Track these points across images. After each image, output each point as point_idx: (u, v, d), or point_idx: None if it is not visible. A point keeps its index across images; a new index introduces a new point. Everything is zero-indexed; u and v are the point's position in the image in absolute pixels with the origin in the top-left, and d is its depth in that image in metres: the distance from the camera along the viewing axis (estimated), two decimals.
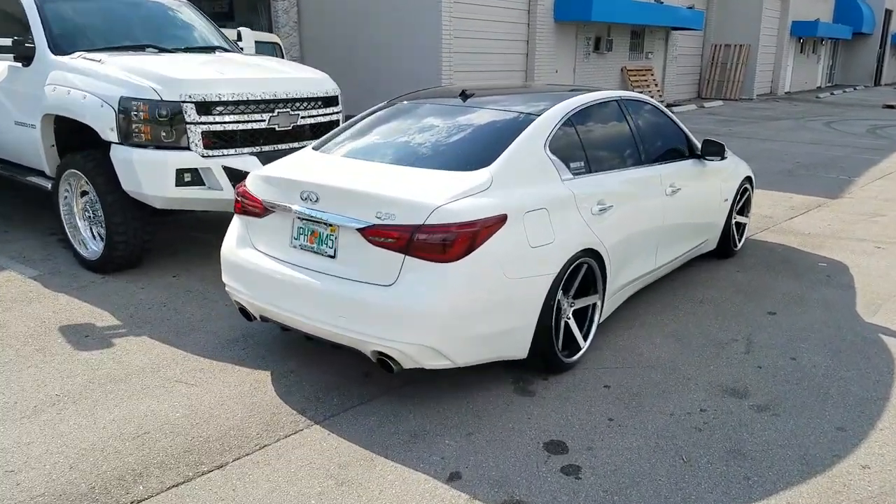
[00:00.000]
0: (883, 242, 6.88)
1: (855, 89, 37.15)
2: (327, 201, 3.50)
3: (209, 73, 5.30)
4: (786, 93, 32.70)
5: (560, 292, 3.83)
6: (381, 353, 3.39)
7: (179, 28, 6.64)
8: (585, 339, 4.19)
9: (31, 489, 2.94)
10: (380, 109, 4.58)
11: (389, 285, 3.35)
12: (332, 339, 3.50)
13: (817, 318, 4.87)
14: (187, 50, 6.38)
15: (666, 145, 5.05)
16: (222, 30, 7.24)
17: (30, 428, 3.39)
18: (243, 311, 3.99)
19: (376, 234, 3.32)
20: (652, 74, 22.66)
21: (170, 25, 6.61)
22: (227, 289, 4.02)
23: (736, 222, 6.31)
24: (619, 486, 2.99)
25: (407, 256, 3.30)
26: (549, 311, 3.74)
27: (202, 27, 6.83)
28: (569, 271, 3.84)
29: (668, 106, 22.49)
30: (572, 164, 4.07)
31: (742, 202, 6.33)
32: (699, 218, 5.38)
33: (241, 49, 7.39)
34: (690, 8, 22.81)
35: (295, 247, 3.67)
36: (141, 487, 2.97)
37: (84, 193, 5.61)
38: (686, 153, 5.33)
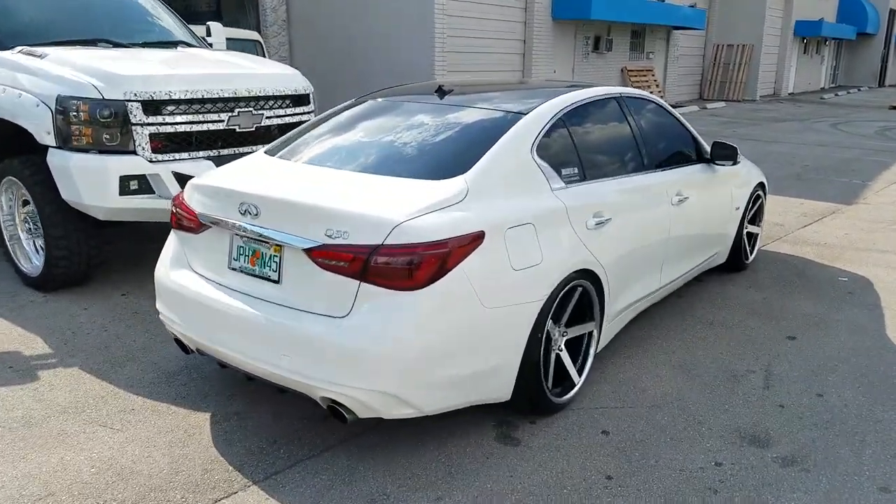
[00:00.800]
0: None
1: (859, 90, 36.58)
2: (269, 216, 2.92)
3: (160, 68, 4.73)
4: (789, 94, 32.14)
5: (550, 321, 3.26)
6: (331, 401, 2.81)
7: (139, 22, 6.07)
8: (580, 373, 3.61)
9: None
10: (347, 108, 4.01)
11: (342, 318, 2.77)
12: (276, 382, 2.92)
13: (844, 344, 4.29)
14: (146, 45, 5.80)
15: (672, 149, 4.47)
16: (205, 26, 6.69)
17: None
18: (179, 343, 3.41)
19: (326, 256, 2.74)
20: (653, 75, 22.09)
21: (128, 19, 6.04)
22: (160, 317, 3.44)
23: (748, 233, 5.73)
24: None
25: (363, 283, 2.72)
26: (537, 343, 3.16)
27: (165, 21, 6.26)
28: (560, 296, 3.26)
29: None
30: (564, 171, 3.49)
31: (754, 210, 5.75)
32: (709, 229, 4.80)
33: (211, 45, 6.82)
34: (692, 7, 22.24)
35: (234, 269, 3.09)
36: None
37: (26, 203, 5.04)
38: (694, 157, 4.76)
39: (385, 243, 2.70)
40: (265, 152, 3.67)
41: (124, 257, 5.82)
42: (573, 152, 3.60)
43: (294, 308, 2.88)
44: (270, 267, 2.95)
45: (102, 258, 5.05)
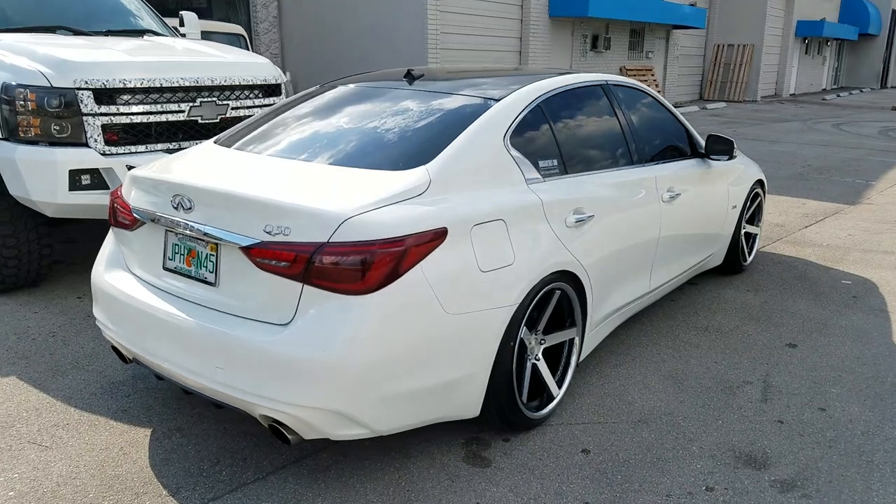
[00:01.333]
0: None
1: (861, 91, 36.26)
2: (204, 209, 2.59)
3: (116, 56, 4.42)
4: (791, 94, 31.81)
5: (524, 328, 2.93)
6: (272, 420, 2.48)
7: (104, 9, 5.75)
8: (560, 385, 3.28)
9: None
10: (310, 94, 3.69)
11: (284, 325, 2.45)
12: (212, 397, 2.59)
13: (848, 352, 3.97)
14: (110, 33, 5.48)
15: (663, 142, 4.15)
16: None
17: None
18: (117, 352, 3.08)
19: (265, 256, 2.42)
20: (652, 74, 21.77)
21: (93, 6, 5.72)
22: (97, 323, 3.11)
23: (745, 233, 5.41)
24: None
25: (306, 286, 2.40)
26: (509, 353, 2.83)
27: (133, 9, 5.94)
28: (535, 301, 2.93)
29: None
30: (542, 163, 3.17)
31: (753, 209, 5.43)
32: (703, 228, 4.48)
33: (184, 35, 6.50)
34: (692, 6, 21.92)
35: (169, 270, 2.77)
36: None
37: None
38: (688, 152, 4.43)
39: (331, 241, 2.37)
40: (214, 141, 3.36)
41: (83, 255, 5.50)
42: (552, 143, 3.28)
43: (231, 314, 2.56)
44: (206, 267, 2.63)
45: (55, 258, 4.72)
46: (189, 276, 2.70)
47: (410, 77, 3.55)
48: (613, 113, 3.77)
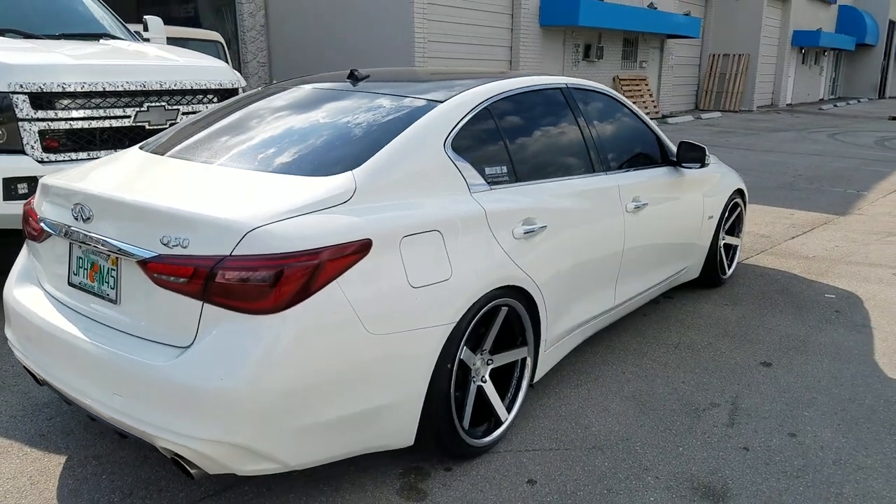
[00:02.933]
0: None
1: (859, 101, 36.13)
2: (103, 219, 2.37)
3: (57, 58, 4.20)
4: (787, 104, 31.66)
5: (464, 349, 2.69)
6: (173, 453, 2.24)
7: (60, 12, 5.55)
8: (510, 409, 3.05)
9: None
10: (249, 96, 3.46)
11: (185, 348, 2.21)
12: (113, 424, 2.35)
13: (825, 371, 3.73)
14: (63, 37, 5.27)
15: (629, 149, 3.92)
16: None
17: None
18: (32, 374, 2.84)
19: (161, 270, 2.19)
20: (646, 84, 21.59)
21: (48, 9, 5.51)
22: (8, 343, 2.88)
23: (725, 244, 5.18)
24: None
25: (206, 304, 2.17)
26: (446, 376, 2.60)
27: (91, 12, 5.73)
28: (477, 318, 2.70)
29: (662, 117, 21.42)
30: (489, 170, 2.94)
31: (732, 220, 5.19)
32: (675, 239, 4.25)
33: (148, 40, 6.29)
34: (687, 15, 21.77)
35: (74, 285, 2.54)
36: None
37: None
38: (659, 159, 4.20)
39: (233, 254, 2.14)
40: (139, 147, 3.13)
41: None
42: (502, 148, 3.05)
43: (132, 334, 2.33)
44: (108, 283, 2.40)
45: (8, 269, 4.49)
46: (92, 293, 2.47)
47: (354, 78, 3.33)
48: (573, 118, 3.55)
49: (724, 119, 22.53)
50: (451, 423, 2.68)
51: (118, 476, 2.75)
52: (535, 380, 3.22)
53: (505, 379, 3.07)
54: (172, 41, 8.26)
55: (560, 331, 3.33)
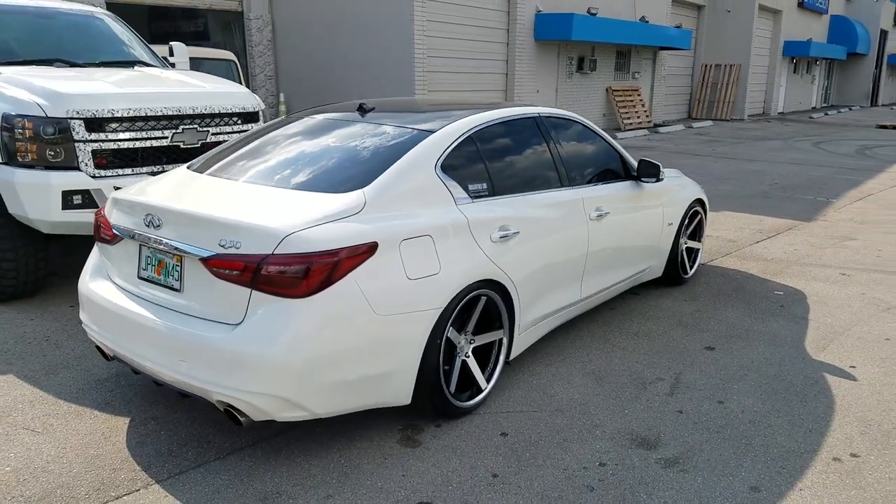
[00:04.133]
0: (849, 269, 6.44)
1: (850, 109, 36.86)
2: (171, 227, 3.08)
3: (105, 87, 4.91)
4: (779, 113, 32.38)
5: (451, 329, 3.40)
6: (226, 404, 2.95)
7: (98, 41, 6.27)
8: (489, 379, 3.75)
9: None
10: (275, 124, 4.18)
11: (236, 325, 2.92)
12: (177, 386, 3.06)
13: (759, 354, 4.43)
14: (102, 64, 5.99)
15: (594, 166, 4.63)
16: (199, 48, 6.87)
17: None
18: (100, 350, 3.55)
19: (220, 266, 2.90)
20: (639, 94, 22.32)
21: (87, 39, 6.23)
22: (83, 325, 3.59)
23: (687, 248, 5.88)
24: None
25: (254, 291, 2.87)
26: (436, 350, 3.30)
27: (125, 40, 6.45)
28: (461, 305, 3.40)
29: (655, 126, 22.14)
30: (472, 187, 3.65)
31: (693, 226, 5.90)
32: (636, 243, 4.95)
33: (173, 65, 7.01)
34: (678, 27, 22.51)
35: (143, 279, 3.25)
36: None
37: None
38: (622, 175, 4.91)
39: (275, 253, 2.85)
40: (187, 167, 3.84)
41: (76, 270, 5.97)
42: (482, 168, 3.76)
43: (193, 315, 3.03)
44: (173, 276, 3.10)
45: (50, 269, 5.19)
46: (159, 284, 3.18)
47: (362, 110, 4.04)
48: (544, 141, 4.26)
49: (715, 128, 23.25)
50: (440, 387, 3.38)
51: (173, 432, 3.45)
52: (511, 357, 3.92)
53: (486, 355, 3.77)
54: (192, 60, 8.97)
55: (532, 318, 4.03)
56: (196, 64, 9.86)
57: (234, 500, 2.90)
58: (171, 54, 7.11)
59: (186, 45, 12.83)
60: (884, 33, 41.36)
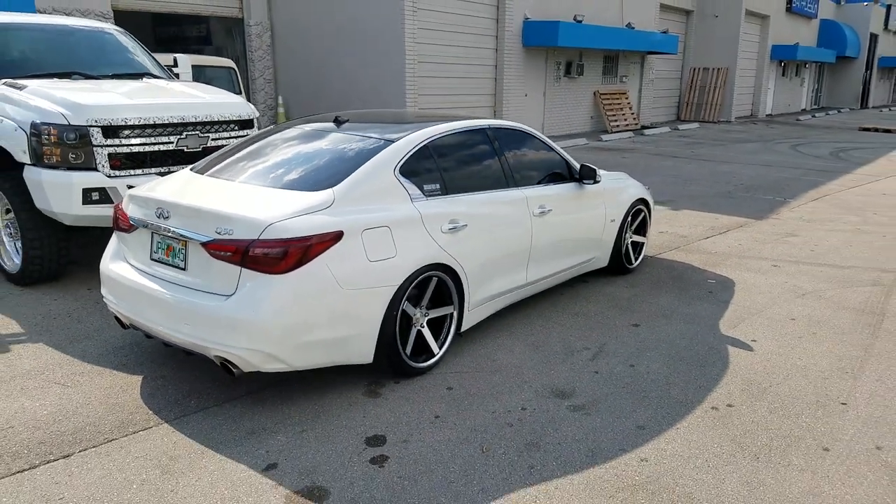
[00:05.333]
0: (782, 261, 7.21)
1: (839, 112, 37.61)
2: (177, 218, 3.86)
3: (118, 98, 5.68)
4: (767, 115, 33.13)
5: (406, 303, 4.17)
6: (222, 358, 3.73)
7: (110, 55, 7.04)
8: (441, 346, 4.51)
9: None
10: (265, 132, 4.95)
11: (230, 295, 3.69)
12: (183, 346, 3.84)
13: (676, 330, 5.20)
14: (115, 76, 6.76)
15: (539, 170, 5.40)
16: (197, 53, 7.63)
17: None
18: (118, 320, 4.33)
19: (217, 248, 3.67)
20: (626, 98, 23.09)
21: (101, 52, 7.00)
22: (104, 300, 4.37)
23: (632, 242, 6.64)
24: (416, 472, 3.32)
25: (244, 269, 3.65)
26: (393, 320, 4.07)
27: (134, 55, 7.23)
28: (414, 284, 4.17)
29: (642, 128, 22.91)
30: (426, 187, 4.42)
31: (638, 223, 6.67)
32: (577, 236, 5.71)
33: (178, 75, 7.79)
34: (664, 32, 23.27)
35: (154, 260, 4.02)
36: None
37: (8, 211, 5.97)
38: (567, 177, 5.68)
39: (260, 238, 3.63)
40: (190, 169, 4.62)
41: (92, 258, 6.76)
42: (436, 172, 4.53)
43: (195, 289, 3.81)
44: (179, 257, 3.88)
45: (71, 258, 5.97)
46: (167, 264, 3.95)
47: (338, 122, 4.82)
48: (492, 149, 5.03)
49: (700, 130, 24.01)
50: (396, 350, 4.16)
51: (179, 386, 4.22)
52: (463, 329, 4.69)
53: (440, 326, 4.54)
54: (194, 68, 9.76)
55: (481, 297, 4.80)
56: (198, 71, 10.66)
57: (227, 435, 3.68)
58: (175, 65, 7.89)
59: (189, 49, 13.63)
60: (874, 37, 42.12)
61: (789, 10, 32.57)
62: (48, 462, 3.41)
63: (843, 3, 40.42)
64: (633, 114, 23.09)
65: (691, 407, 4.00)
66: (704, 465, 3.40)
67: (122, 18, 14.45)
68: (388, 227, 4.04)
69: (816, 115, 33.95)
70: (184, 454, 3.48)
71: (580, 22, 18.95)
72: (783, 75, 34.57)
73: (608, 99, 22.17)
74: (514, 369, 4.46)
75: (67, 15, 12.78)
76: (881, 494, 3.21)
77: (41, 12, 12.59)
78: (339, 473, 3.32)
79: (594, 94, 21.87)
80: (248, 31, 16.99)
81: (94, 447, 3.55)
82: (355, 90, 16.09)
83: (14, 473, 3.32)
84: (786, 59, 32.18)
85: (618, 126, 21.96)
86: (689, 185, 12.08)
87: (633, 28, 21.57)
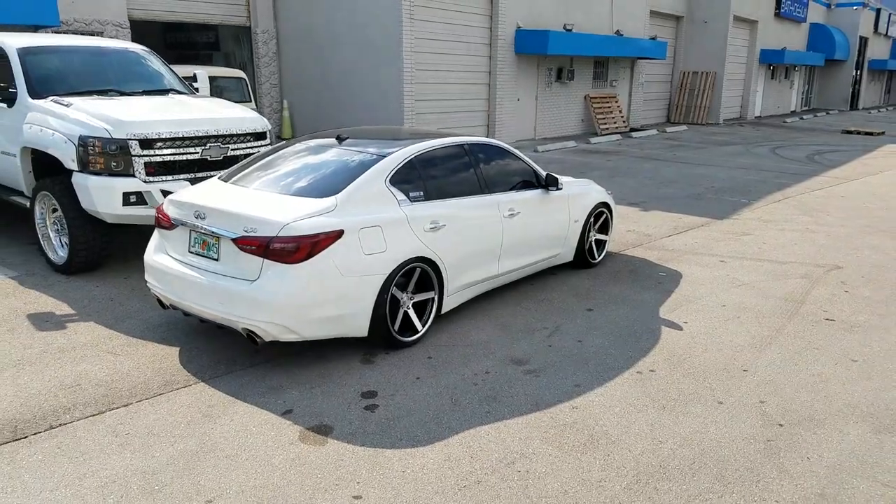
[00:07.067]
0: (729, 257, 8.21)
1: (828, 113, 38.57)
2: (212, 219, 4.86)
3: (152, 115, 6.68)
4: (756, 117, 34.10)
5: (395, 288, 5.17)
6: (248, 330, 4.73)
7: (139, 73, 8.04)
8: (424, 325, 5.51)
9: None
10: (280, 147, 5.95)
11: (254, 280, 4.70)
12: (216, 321, 4.84)
13: (623, 314, 6.21)
14: (145, 93, 7.76)
15: (509, 179, 6.39)
16: (206, 60, 8.61)
17: None
18: (159, 302, 5.34)
19: (244, 243, 4.68)
20: (616, 101, 24.08)
21: (132, 72, 8.00)
22: (147, 284, 5.38)
23: (596, 240, 7.64)
24: (400, 415, 4.32)
25: (265, 259, 4.65)
26: (383, 302, 5.07)
27: (160, 73, 8.23)
28: (401, 273, 5.17)
29: (631, 130, 23.89)
30: (412, 194, 5.42)
31: (600, 223, 7.66)
32: (545, 234, 6.70)
33: (197, 90, 8.79)
34: (653, 38, 24.24)
35: (192, 252, 5.03)
36: (67, 416, 4.31)
37: (55, 210, 6.97)
38: (535, 185, 6.68)
39: (278, 235, 4.63)
40: (218, 178, 5.62)
41: (127, 251, 7.77)
42: (420, 181, 5.53)
43: (226, 275, 4.81)
44: (213, 250, 4.89)
45: (112, 251, 6.96)
46: (203, 256, 4.96)
47: (340, 139, 5.82)
48: (469, 161, 6.03)
49: (688, 133, 24.99)
50: (386, 327, 5.16)
51: (211, 355, 5.23)
52: (443, 311, 5.68)
53: (424, 309, 5.55)
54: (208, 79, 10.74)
55: (458, 285, 5.80)
56: (211, 81, 11.65)
57: (252, 390, 4.68)
58: (195, 80, 8.89)
59: (199, 55, 14.68)
60: (864, 40, 43.08)
61: (778, 14, 33.54)
62: (112, 409, 4.42)
63: (832, 7, 41.38)
64: (622, 117, 24.08)
65: (620, 371, 5.00)
66: (621, 412, 4.41)
67: (136, 27, 15.42)
68: (380, 227, 5.04)
69: (804, 117, 34.91)
70: (219, 403, 4.49)
71: (570, 31, 19.93)
72: (772, 78, 35.55)
73: (598, 103, 23.15)
74: (484, 344, 5.46)
75: (87, 25, 13.80)
76: (751, 431, 4.23)
77: (64, 23, 13.58)
78: (340, 416, 4.33)
79: (585, 97, 22.85)
80: (255, 39, 17.98)
81: (147, 399, 4.55)
82: (355, 97, 17.08)
83: (87, 417, 4.32)
84: (774, 62, 33.15)
85: (607, 129, 22.94)
86: (663, 188, 13.07)
87: (622, 35, 22.53)
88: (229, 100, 9.73)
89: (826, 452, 4.02)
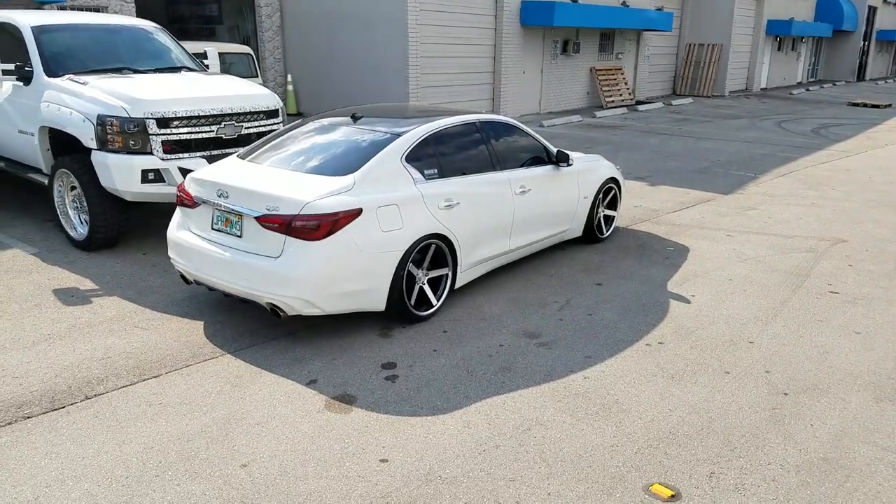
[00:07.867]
0: (735, 232, 8.35)
1: (835, 85, 38.40)
2: (235, 197, 5.01)
3: (168, 93, 6.80)
4: (762, 89, 33.98)
5: (411, 264, 5.33)
6: (272, 304, 4.90)
7: (150, 50, 8.14)
8: (439, 299, 5.68)
9: (29, 386, 4.48)
10: (296, 125, 6.08)
11: (277, 257, 4.86)
12: (240, 295, 5.01)
13: (632, 288, 6.37)
14: (158, 70, 7.87)
15: (520, 156, 6.52)
16: (209, 33, 8.69)
17: (29, 354, 4.92)
18: (183, 277, 5.51)
19: (267, 221, 4.83)
20: (622, 73, 24.03)
21: (144, 49, 8.10)
22: (171, 260, 5.54)
23: (605, 215, 7.78)
24: (419, 385, 4.51)
25: (287, 237, 4.80)
26: (400, 277, 5.23)
27: (171, 50, 8.33)
28: (417, 249, 5.32)
29: (637, 103, 23.88)
30: (427, 172, 5.56)
31: (609, 199, 7.80)
32: (555, 211, 6.84)
33: (207, 67, 8.89)
34: (659, 9, 24.13)
35: (215, 229, 5.18)
36: (101, 387, 4.50)
37: (73, 188, 7.12)
38: (545, 161, 6.81)
39: (300, 213, 4.78)
40: (237, 156, 5.76)
41: (145, 228, 7.93)
42: (435, 159, 5.67)
43: (249, 252, 4.97)
44: (236, 228, 5.04)
45: (129, 228, 7.13)
46: (226, 233, 5.12)
47: (354, 117, 5.95)
48: (481, 139, 6.16)
49: (693, 105, 24.96)
50: (403, 301, 5.33)
51: (234, 328, 5.41)
52: (457, 286, 5.85)
53: (438, 284, 5.71)
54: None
55: (472, 261, 5.96)
56: (219, 57, 11.72)
57: (277, 361, 4.87)
58: (206, 58, 8.98)
59: (202, 28, 14.69)
60: (872, 9, 42.72)
61: None
62: (144, 380, 4.60)
63: None
64: (628, 89, 24.05)
65: (630, 343, 5.18)
66: (631, 382, 4.60)
67: (140, 1, 15.41)
68: (397, 205, 5.19)
69: (810, 88, 34.78)
70: (246, 374, 4.67)
71: (576, 2, 19.86)
72: (779, 50, 35.35)
73: (604, 75, 23.12)
74: (497, 318, 5.64)
75: (91, 0, 13.83)
76: (757, 400, 4.41)
77: None
78: (362, 386, 4.51)
79: (590, 70, 22.82)
80: (258, 12, 17.97)
81: (176, 370, 4.74)
82: (360, 70, 17.12)
83: (119, 388, 4.51)
84: (781, 34, 32.95)
85: (612, 102, 22.94)
86: (669, 161, 13.16)
87: (628, 6, 22.45)
88: (237, 75, 9.83)
89: (829, 419, 4.20)
